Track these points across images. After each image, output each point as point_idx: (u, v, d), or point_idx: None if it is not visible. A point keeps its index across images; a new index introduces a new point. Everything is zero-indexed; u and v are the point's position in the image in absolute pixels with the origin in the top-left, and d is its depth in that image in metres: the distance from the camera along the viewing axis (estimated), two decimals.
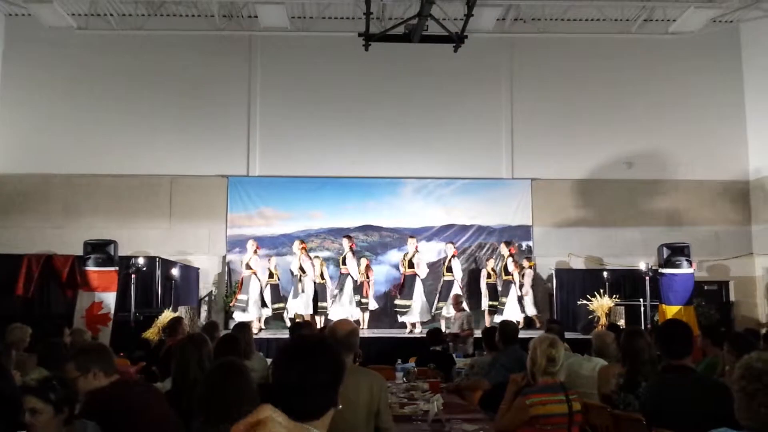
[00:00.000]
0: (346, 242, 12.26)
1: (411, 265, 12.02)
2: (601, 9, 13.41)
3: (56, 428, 2.69)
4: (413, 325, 11.95)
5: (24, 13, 13.35)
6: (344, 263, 12.19)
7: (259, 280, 11.92)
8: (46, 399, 2.67)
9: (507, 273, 12.27)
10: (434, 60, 13.15)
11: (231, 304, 12.20)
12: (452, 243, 12.70)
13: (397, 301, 12.19)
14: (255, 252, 12.03)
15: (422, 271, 12.07)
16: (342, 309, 11.84)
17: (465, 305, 10.91)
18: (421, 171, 13.82)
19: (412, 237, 12.52)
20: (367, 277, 12.28)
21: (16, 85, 13.64)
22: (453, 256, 12.20)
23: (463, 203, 13.91)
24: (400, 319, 12.13)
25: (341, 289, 12.14)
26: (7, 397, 2.38)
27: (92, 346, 3.60)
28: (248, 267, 11.96)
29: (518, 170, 13.98)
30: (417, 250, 12.15)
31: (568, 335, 8.16)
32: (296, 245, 12.16)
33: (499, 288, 12.45)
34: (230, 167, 13.75)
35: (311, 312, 11.86)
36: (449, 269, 12.11)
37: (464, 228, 13.86)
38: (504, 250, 12.48)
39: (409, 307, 11.93)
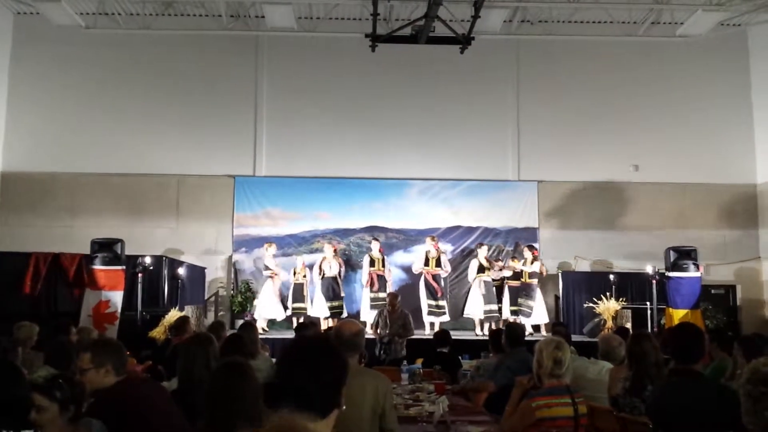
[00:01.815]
0: (376, 245, 12.25)
1: (438, 263, 12.00)
2: (609, 11, 13.37)
3: (61, 426, 2.70)
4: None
5: (32, 12, 13.41)
6: (383, 265, 12.09)
7: (274, 280, 12.09)
8: (51, 397, 2.67)
9: (532, 276, 12.13)
10: (441, 61, 13.14)
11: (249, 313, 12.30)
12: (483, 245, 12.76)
13: (432, 302, 11.90)
14: (273, 255, 12.17)
15: (447, 268, 12.20)
16: None
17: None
18: (427, 172, 13.82)
19: (432, 237, 12.49)
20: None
21: (25, 83, 13.70)
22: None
23: (469, 205, 13.89)
24: (432, 319, 11.90)
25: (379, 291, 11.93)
26: (18, 396, 2.40)
27: (111, 343, 3.60)
28: (267, 268, 12.11)
29: (524, 172, 13.96)
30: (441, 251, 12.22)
31: (573, 338, 8.14)
32: (328, 248, 12.18)
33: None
34: (237, 167, 13.78)
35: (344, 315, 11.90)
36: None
37: (470, 230, 13.84)
38: (528, 253, 12.33)
39: (444, 307, 11.97)
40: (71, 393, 2.73)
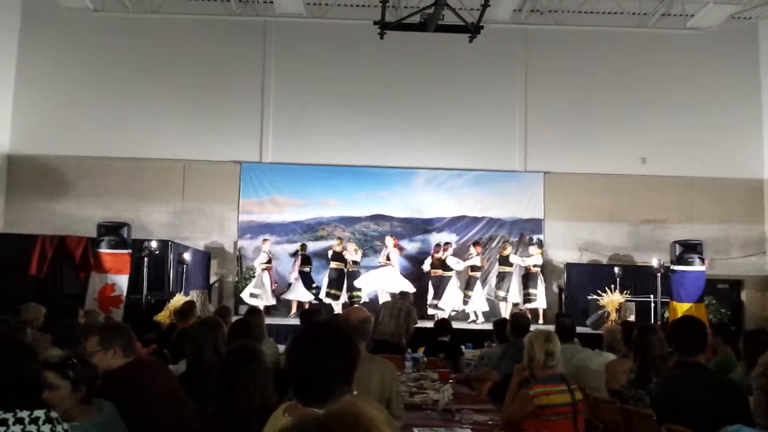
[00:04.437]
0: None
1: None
2: (619, 2, 13.29)
3: (72, 405, 2.71)
4: None
5: None
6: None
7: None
8: (64, 375, 2.69)
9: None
10: (449, 50, 13.09)
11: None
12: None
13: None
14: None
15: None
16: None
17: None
18: (433, 161, 13.80)
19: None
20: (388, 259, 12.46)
21: (32, 65, 13.69)
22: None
23: (475, 195, 13.88)
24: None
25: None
26: (31, 375, 2.41)
27: (119, 325, 3.63)
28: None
29: (531, 163, 13.92)
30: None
31: (577, 330, 8.14)
32: (389, 240, 12.51)
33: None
34: (243, 153, 13.78)
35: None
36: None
37: (475, 220, 13.84)
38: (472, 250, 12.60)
39: None
40: (83, 374, 2.75)
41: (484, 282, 12.97)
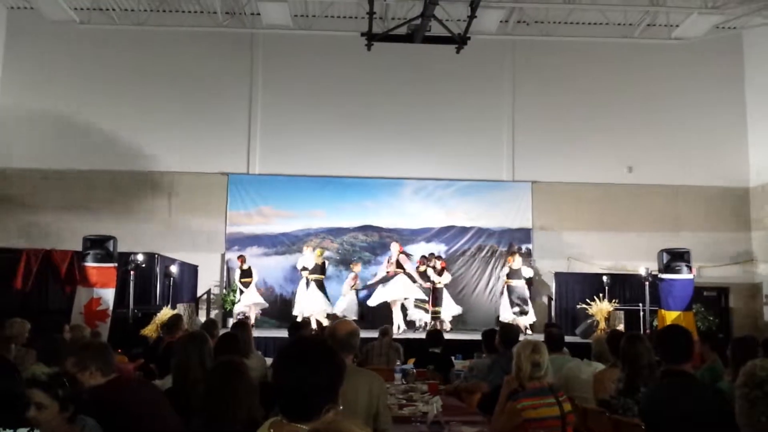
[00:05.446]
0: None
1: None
2: (605, 13, 13.40)
3: (59, 424, 2.67)
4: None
5: (26, 6, 13.34)
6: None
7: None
8: (53, 395, 2.64)
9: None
10: (436, 61, 13.15)
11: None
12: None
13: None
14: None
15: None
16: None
17: None
18: (421, 172, 13.82)
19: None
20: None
21: (18, 78, 13.62)
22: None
23: (463, 205, 13.90)
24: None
25: None
26: (14, 393, 2.37)
27: (93, 345, 3.57)
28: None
29: (519, 173, 13.98)
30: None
31: (566, 339, 8.14)
32: (395, 247, 12.36)
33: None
34: (231, 165, 13.75)
35: None
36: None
37: (464, 230, 13.85)
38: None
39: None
40: (72, 392, 2.71)
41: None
